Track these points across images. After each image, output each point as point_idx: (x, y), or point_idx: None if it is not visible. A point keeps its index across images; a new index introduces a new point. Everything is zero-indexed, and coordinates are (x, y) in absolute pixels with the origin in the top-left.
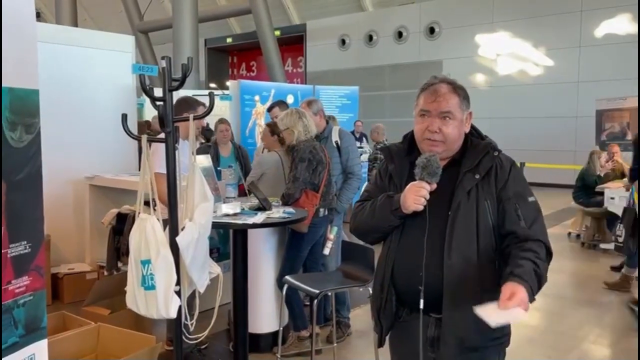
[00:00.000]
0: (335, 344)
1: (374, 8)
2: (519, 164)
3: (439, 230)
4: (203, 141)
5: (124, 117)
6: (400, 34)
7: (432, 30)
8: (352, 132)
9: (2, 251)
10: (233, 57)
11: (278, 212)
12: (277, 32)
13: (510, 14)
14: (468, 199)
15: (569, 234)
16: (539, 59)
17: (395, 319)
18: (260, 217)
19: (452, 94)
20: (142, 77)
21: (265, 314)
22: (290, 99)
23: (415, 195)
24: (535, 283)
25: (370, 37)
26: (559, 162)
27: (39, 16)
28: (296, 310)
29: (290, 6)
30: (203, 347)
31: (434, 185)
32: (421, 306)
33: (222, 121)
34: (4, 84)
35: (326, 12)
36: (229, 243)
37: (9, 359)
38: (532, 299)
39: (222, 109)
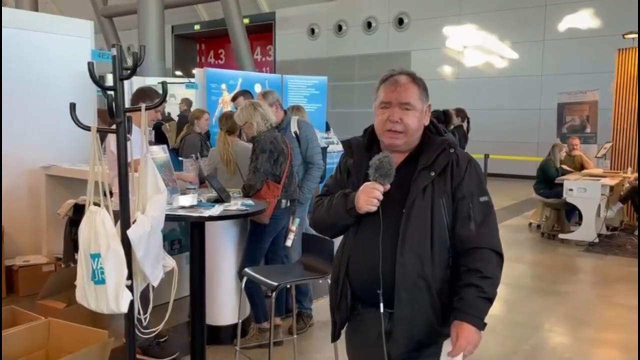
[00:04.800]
0: (295, 336)
1: None
2: (483, 156)
3: (392, 228)
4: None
5: (72, 107)
6: (369, 24)
7: (400, 21)
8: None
9: None
10: (201, 45)
11: (236, 204)
12: (246, 20)
13: (478, 7)
14: (423, 197)
15: (530, 224)
16: (504, 51)
17: (351, 313)
18: (217, 210)
19: (412, 85)
20: (90, 65)
21: (226, 306)
22: (257, 88)
23: (368, 197)
24: (483, 307)
25: (340, 27)
26: (523, 154)
27: None
28: (257, 302)
29: None
30: (162, 339)
31: (388, 186)
32: (381, 310)
33: (204, 111)
34: None
35: (296, 0)
36: None
37: None
38: (481, 325)
39: (189, 97)
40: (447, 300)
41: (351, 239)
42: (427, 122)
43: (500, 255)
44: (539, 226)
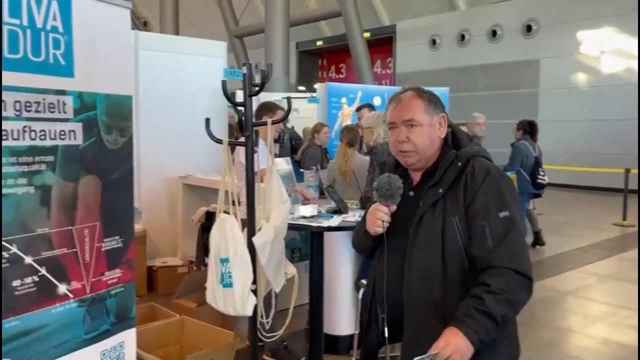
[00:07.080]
0: None
1: (467, 7)
2: (623, 170)
3: (403, 249)
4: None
5: (207, 122)
6: (494, 33)
7: (529, 28)
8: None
9: (97, 245)
10: (323, 60)
11: (354, 216)
12: (367, 34)
13: (616, 8)
14: (433, 214)
15: None
16: None
17: (383, 337)
18: (336, 220)
19: (415, 100)
20: (224, 83)
21: (343, 316)
22: (377, 101)
23: (373, 218)
24: (478, 319)
25: (462, 37)
26: None
27: (145, 25)
28: None
29: (380, 7)
30: (283, 344)
31: (393, 207)
32: (386, 334)
33: (324, 124)
34: (101, 91)
35: (417, 12)
36: None
37: (101, 345)
38: (472, 336)
39: (310, 111)
40: None
41: (376, 261)
42: (442, 135)
43: (524, 276)
44: None
